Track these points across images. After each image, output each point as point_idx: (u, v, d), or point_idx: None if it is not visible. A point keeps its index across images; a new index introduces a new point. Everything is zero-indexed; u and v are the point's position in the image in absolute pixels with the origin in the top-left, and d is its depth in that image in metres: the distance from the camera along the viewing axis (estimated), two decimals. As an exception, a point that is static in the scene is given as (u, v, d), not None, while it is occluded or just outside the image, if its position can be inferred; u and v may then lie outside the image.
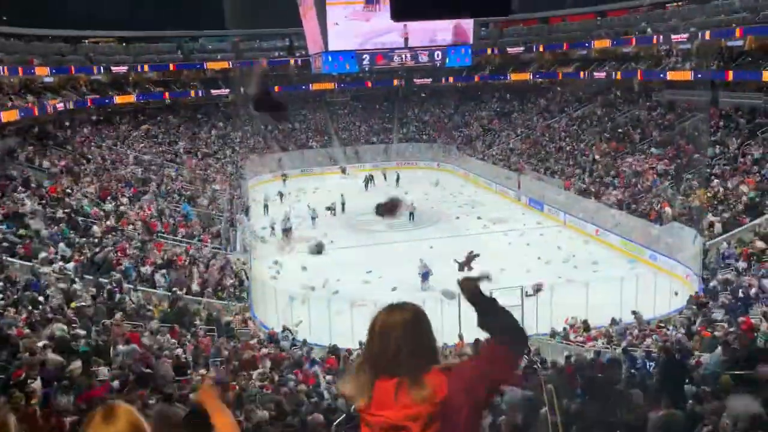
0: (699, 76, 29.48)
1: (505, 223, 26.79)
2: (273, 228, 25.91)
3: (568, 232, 25.68)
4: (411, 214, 26.38)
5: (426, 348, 2.04)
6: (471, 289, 2.16)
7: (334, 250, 23.42)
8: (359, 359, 2.09)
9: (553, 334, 15.97)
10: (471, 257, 16.14)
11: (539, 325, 16.66)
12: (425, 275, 19.89)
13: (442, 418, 1.92)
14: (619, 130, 31.89)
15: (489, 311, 2.13)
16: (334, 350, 14.78)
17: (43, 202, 20.27)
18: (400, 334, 2.00)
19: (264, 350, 13.96)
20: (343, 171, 36.03)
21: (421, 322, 2.06)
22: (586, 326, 15.71)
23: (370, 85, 43.50)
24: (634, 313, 15.48)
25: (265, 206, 28.15)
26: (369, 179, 33.32)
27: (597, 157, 30.15)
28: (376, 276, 20.31)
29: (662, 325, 14.83)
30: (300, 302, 18.44)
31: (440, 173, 37.24)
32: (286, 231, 25.32)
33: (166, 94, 39.35)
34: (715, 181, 22.70)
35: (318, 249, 20.84)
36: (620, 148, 29.98)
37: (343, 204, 28.89)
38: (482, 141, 39.64)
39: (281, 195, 29.33)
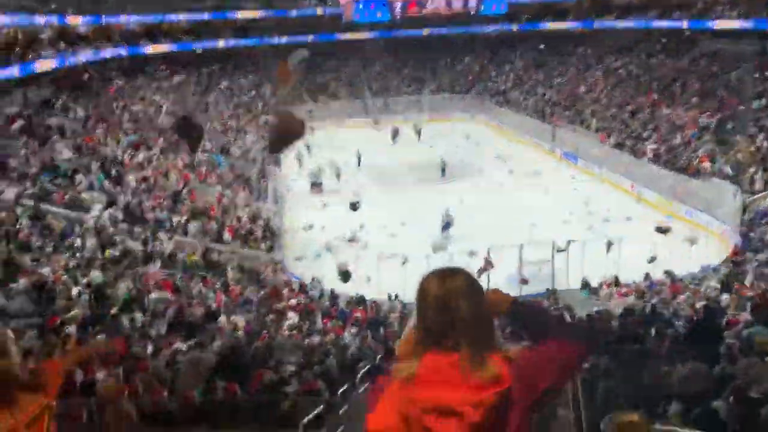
0: (747, 25, 28.05)
1: (538, 177, 26.36)
2: (310, 180, 25.86)
3: (603, 187, 25.19)
4: (443, 169, 26.07)
5: (487, 323, 1.83)
6: (503, 304, 1.94)
7: (366, 203, 23.40)
8: (415, 328, 1.86)
9: (584, 285, 15.85)
10: (488, 263, 15.64)
11: (570, 280, 16.57)
12: (447, 225, 19.85)
13: (500, 411, 1.71)
14: (660, 82, 30.75)
15: (540, 323, 1.94)
16: (360, 301, 14.92)
17: (79, 151, 20.56)
18: (461, 303, 1.77)
19: (293, 300, 14.16)
20: (376, 123, 35.69)
21: (480, 290, 1.84)
22: (617, 282, 15.52)
23: (402, 34, 42.53)
24: (667, 271, 15.21)
25: (298, 159, 28.13)
26: (396, 132, 32.89)
27: (635, 109, 29.22)
28: (404, 229, 20.29)
29: (696, 282, 14.56)
30: (329, 253, 18.62)
31: (473, 125, 36.61)
32: (316, 185, 25.32)
33: (199, 43, 39.14)
34: (760, 135, 21.83)
35: (354, 206, 20.76)
36: (659, 102, 28.95)
37: (359, 158, 28.42)
38: (517, 92, 38.73)
39: (308, 147, 29.18)
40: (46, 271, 11.87)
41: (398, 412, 1.74)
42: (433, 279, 1.82)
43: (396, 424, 1.74)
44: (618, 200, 23.20)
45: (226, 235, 18.49)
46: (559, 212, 21.49)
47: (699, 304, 10.91)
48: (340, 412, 7.16)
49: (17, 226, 14.09)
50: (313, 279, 16.79)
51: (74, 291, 11.27)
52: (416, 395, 1.72)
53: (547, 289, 15.84)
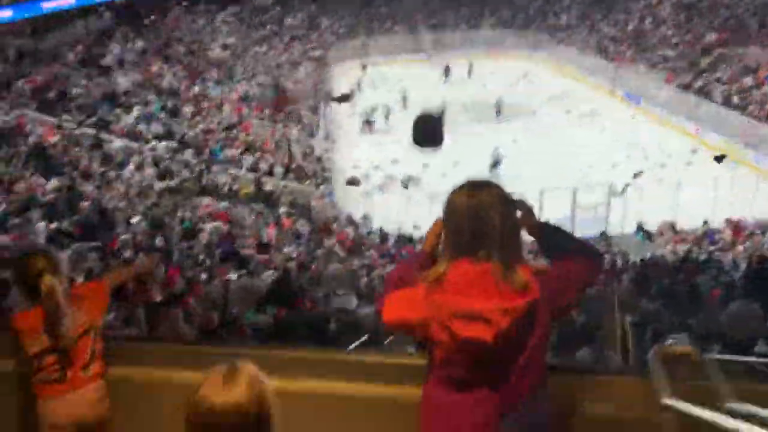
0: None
1: (597, 117, 25.44)
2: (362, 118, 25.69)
3: (665, 130, 24.12)
4: (498, 109, 25.36)
5: (517, 235, 1.86)
6: (530, 218, 2.02)
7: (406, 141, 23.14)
8: (443, 240, 1.91)
9: (640, 229, 15.44)
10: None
11: (625, 225, 16.17)
12: (495, 163, 19.62)
13: (527, 321, 1.76)
14: (735, 19, 28.74)
15: (554, 235, 2.05)
16: (409, 240, 14.99)
17: (137, 82, 20.91)
18: (494, 213, 1.79)
19: (343, 235, 14.34)
20: (430, 59, 34.88)
21: (510, 202, 1.87)
22: (673, 228, 15.06)
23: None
24: (728, 219, 14.65)
25: (346, 96, 27.83)
26: (447, 70, 31.96)
27: (705, 47, 27.52)
28: (456, 170, 20.02)
29: (758, 231, 13.98)
30: (378, 190, 18.66)
31: (531, 63, 35.32)
32: (368, 123, 25.12)
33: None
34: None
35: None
36: (731, 41, 27.10)
37: (404, 99, 27.54)
38: (579, 28, 36.99)
39: (358, 85, 28.83)
40: (106, 198, 12.30)
41: (423, 313, 1.78)
42: (464, 192, 1.85)
43: (417, 324, 1.80)
44: (680, 144, 22.22)
45: (278, 169, 18.71)
46: (617, 155, 20.78)
47: (759, 254, 10.49)
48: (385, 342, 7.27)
49: (79, 155, 14.59)
50: (364, 216, 16.92)
51: (133, 219, 11.70)
52: (445, 299, 1.76)
53: (601, 233, 15.49)
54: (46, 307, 2.39)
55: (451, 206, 1.86)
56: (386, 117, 25.59)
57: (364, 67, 34.05)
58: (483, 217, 1.78)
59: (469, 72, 32.14)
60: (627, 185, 16.90)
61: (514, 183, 17.26)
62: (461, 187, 1.87)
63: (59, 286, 2.42)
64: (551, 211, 15.15)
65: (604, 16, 36.80)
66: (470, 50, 35.99)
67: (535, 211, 2.04)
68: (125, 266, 6.57)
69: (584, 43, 34.82)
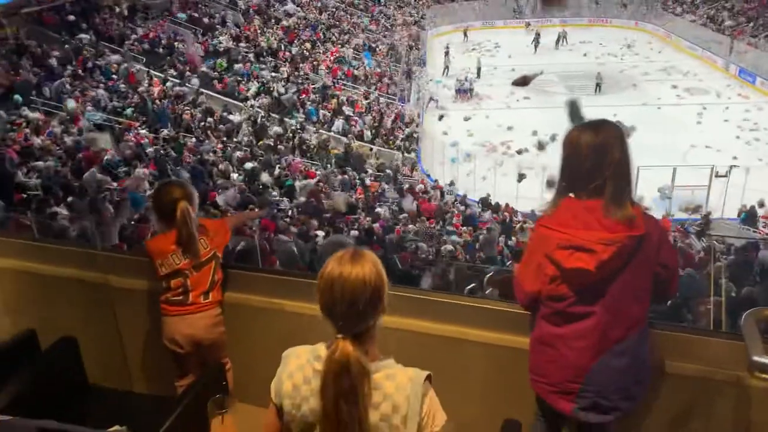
0: None
1: (705, 95, 23.87)
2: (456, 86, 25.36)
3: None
4: (598, 84, 24.18)
5: (630, 173, 1.93)
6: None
7: (512, 110, 22.72)
8: (558, 179, 2.02)
9: (742, 213, 14.51)
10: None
11: (726, 209, 15.25)
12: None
13: (634, 254, 1.87)
14: None
15: None
16: (495, 209, 14.81)
17: (237, 40, 21.57)
18: (615, 149, 1.89)
19: (429, 201, 14.37)
20: (527, 25, 33.72)
21: (626, 138, 1.94)
22: (775, 214, 14.04)
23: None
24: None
25: (446, 67, 27.49)
26: (536, 38, 30.65)
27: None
28: (550, 141, 19.50)
29: None
30: (467, 159, 18.48)
31: (637, 33, 33.49)
32: (462, 92, 24.73)
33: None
34: None
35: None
36: None
37: (479, 69, 26.83)
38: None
39: (446, 53, 28.24)
40: (206, 150, 12.91)
41: (534, 248, 1.98)
42: (587, 129, 1.94)
43: (528, 259, 2.01)
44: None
45: (368, 132, 18.89)
46: (725, 135, 19.51)
47: None
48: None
49: (183, 110, 15.32)
50: (451, 183, 16.86)
51: (233, 175, 12.24)
52: (550, 233, 1.92)
53: (703, 216, 14.69)
54: (180, 228, 2.64)
55: (571, 144, 1.94)
56: (468, 89, 25.10)
57: (465, 32, 33.44)
58: (605, 152, 1.88)
59: (558, 41, 30.84)
60: (731, 167, 15.87)
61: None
62: (584, 126, 1.96)
63: (192, 212, 2.67)
64: (648, 190, 14.57)
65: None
66: (572, 18, 34.60)
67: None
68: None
69: (698, 14, 32.57)
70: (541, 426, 2.18)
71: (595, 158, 1.88)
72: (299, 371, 1.62)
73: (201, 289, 2.68)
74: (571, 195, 1.93)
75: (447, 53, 28.16)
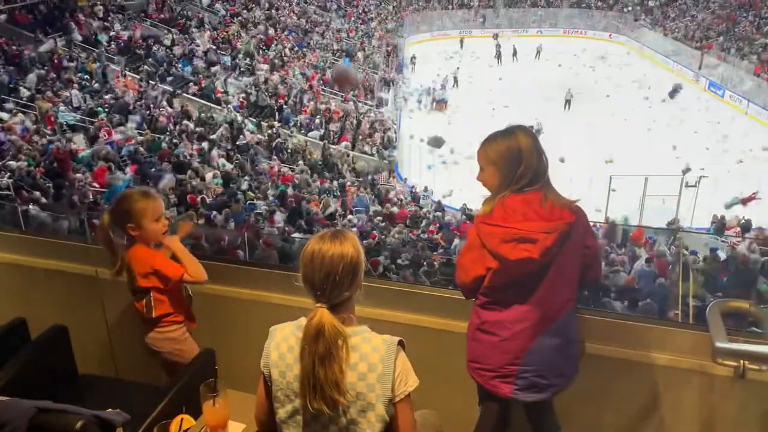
0: None
1: (676, 106, 24.46)
2: (424, 94, 25.57)
3: (749, 123, 22.97)
4: (567, 101, 24.50)
5: (547, 167, 2.14)
6: None
7: (480, 119, 22.97)
8: (490, 182, 2.18)
9: (715, 222, 14.83)
10: None
11: (695, 219, 15.64)
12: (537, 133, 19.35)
13: (567, 239, 2.05)
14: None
15: None
16: (470, 217, 14.96)
17: (215, 43, 21.50)
18: (532, 151, 2.09)
19: (405, 207, 14.48)
20: (495, 37, 33.69)
21: (537, 142, 2.15)
22: (746, 226, 14.42)
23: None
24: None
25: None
26: (498, 49, 30.88)
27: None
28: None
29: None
30: (442, 166, 18.66)
31: (611, 45, 34.18)
32: (440, 102, 24.90)
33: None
34: None
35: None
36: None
37: (455, 78, 27.23)
38: (666, 12, 35.45)
39: (413, 60, 28.28)
40: (182, 152, 12.85)
41: (477, 244, 2.11)
42: (514, 134, 2.12)
43: (468, 252, 2.17)
44: (764, 140, 21.15)
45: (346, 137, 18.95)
46: (695, 146, 20.02)
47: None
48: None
49: (158, 111, 15.22)
50: (425, 188, 17.00)
51: (208, 175, 12.20)
52: (493, 229, 2.06)
53: (668, 223, 15.03)
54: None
55: (513, 148, 2.10)
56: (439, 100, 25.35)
57: (461, 41, 33.37)
58: (540, 151, 2.10)
59: (538, 54, 31.18)
60: (701, 177, 16.29)
61: (585, 167, 17.07)
62: (507, 133, 2.14)
63: (110, 231, 2.57)
64: (620, 198, 14.88)
65: (693, 1, 35.11)
66: (547, 29, 35.15)
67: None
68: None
69: (670, 29, 33.37)
70: (488, 411, 2.27)
71: (534, 157, 2.08)
72: (284, 342, 1.74)
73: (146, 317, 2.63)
74: (508, 191, 2.09)
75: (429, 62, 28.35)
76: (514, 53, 30.66)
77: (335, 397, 1.64)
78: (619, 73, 28.82)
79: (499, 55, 30.63)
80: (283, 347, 1.74)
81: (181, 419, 1.94)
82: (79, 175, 10.46)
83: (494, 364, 2.15)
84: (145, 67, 17.58)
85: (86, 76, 15.86)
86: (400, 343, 1.71)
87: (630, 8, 37.26)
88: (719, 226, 14.79)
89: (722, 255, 10.57)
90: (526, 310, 2.09)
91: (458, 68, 28.28)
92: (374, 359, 1.66)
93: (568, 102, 24.26)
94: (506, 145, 2.10)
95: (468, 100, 25.04)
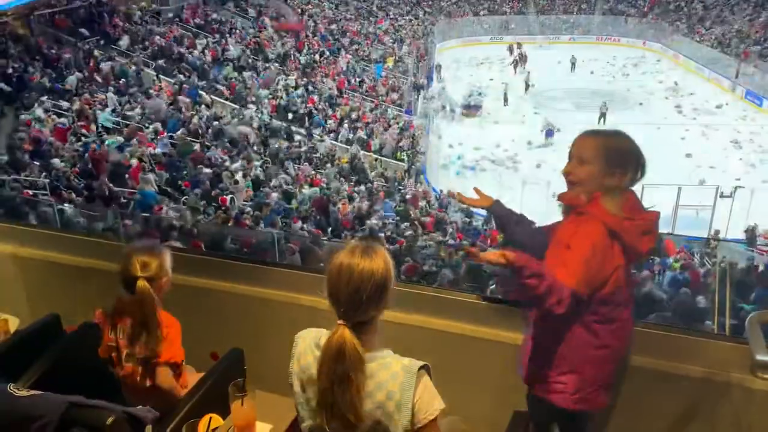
0: None
1: (710, 116, 23.98)
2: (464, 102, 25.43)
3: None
4: (603, 115, 23.88)
5: None
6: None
7: (513, 125, 22.84)
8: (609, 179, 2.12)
9: (747, 231, 14.46)
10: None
11: (730, 230, 15.28)
12: (549, 132, 20.55)
13: None
14: None
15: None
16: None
17: (248, 48, 21.75)
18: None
19: (432, 213, 14.45)
20: (518, 46, 32.92)
21: None
22: (780, 237, 14.03)
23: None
24: None
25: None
26: (517, 60, 30.16)
27: None
28: (554, 154, 19.63)
29: None
30: (472, 173, 18.60)
31: (645, 52, 33.69)
32: (471, 107, 24.74)
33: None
34: None
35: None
36: None
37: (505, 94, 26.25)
38: (702, 18, 34.82)
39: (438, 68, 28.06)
40: (214, 155, 13.03)
41: (604, 245, 2.00)
42: (621, 134, 2.17)
43: (600, 258, 2.00)
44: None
45: (375, 144, 18.99)
46: (730, 156, 19.61)
47: None
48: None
49: (192, 116, 15.43)
50: (448, 192, 16.89)
51: (239, 177, 12.36)
52: (632, 223, 2.04)
53: (707, 238, 14.68)
54: (134, 310, 2.33)
55: (627, 146, 2.11)
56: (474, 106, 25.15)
57: (510, 47, 32.89)
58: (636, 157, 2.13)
59: (573, 66, 30.54)
60: (736, 188, 15.94)
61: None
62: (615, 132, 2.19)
63: (154, 292, 2.32)
64: (653, 208, 14.56)
65: (731, 8, 34.44)
66: (580, 36, 34.81)
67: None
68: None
69: (707, 36, 32.77)
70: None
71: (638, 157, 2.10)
72: (304, 355, 1.71)
73: (133, 383, 2.34)
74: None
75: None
76: (573, 65, 29.91)
77: (352, 420, 1.59)
78: (652, 81, 28.39)
79: (515, 64, 30.21)
80: (303, 360, 1.71)
81: (210, 418, 1.95)
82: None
83: (608, 378, 2.08)
84: (180, 74, 17.87)
85: (122, 80, 16.17)
86: (425, 368, 1.64)
87: (666, 15, 36.68)
88: (751, 237, 14.47)
89: (761, 266, 10.33)
90: (629, 313, 2.08)
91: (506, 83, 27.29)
92: (393, 387, 1.60)
93: (603, 115, 23.63)
94: (632, 145, 2.11)
95: (498, 106, 24.91)
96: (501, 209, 2.36)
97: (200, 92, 17.12)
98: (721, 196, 15.75)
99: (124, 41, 18.12)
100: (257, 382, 2.15)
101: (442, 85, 27.67)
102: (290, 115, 18.49)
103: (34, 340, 2.40)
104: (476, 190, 2.39)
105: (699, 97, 26.13)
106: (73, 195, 9.51)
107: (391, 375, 1.60)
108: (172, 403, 2.24)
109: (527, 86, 26.67)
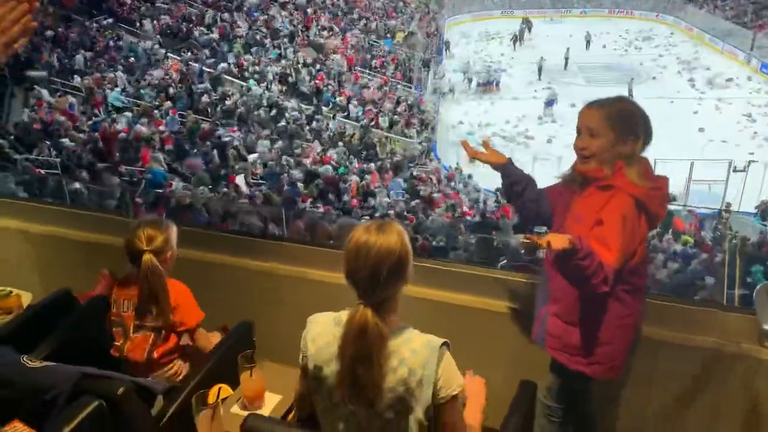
0: None
1: (724, 89, 23.60)
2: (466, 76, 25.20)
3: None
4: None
5: None
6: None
7: (526, 100, 22.64)
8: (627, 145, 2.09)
9: (760, 205, 14.32)
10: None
11: (743, 203, 15.15)
12: (550, 102, 20.54)
13: None
14: None
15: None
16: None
17: (253, 26, 21.60)
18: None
19: (441, 190, 14.42)
20: (526, 21, 32.32)
21: None
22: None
23: None
24: None
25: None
26: (522, 30, 29.53)
27: None
28: (564, 130, 19.46)
29: None
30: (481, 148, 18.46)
31: (657, 25, 33.11)
32: (487, 83, 24.49)
33: None
34: None
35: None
36: None
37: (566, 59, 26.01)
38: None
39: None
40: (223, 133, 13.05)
41: (633, 215, 1.98)
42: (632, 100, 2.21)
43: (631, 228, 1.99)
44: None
45: (383, 121, 18.89)
46: (744, 130, 19.35)
47: None
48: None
49: (199, 92, 15.43)
50: (459, 170, 16.87)
51: (250, 157, 12.39)
52: (657, 192, 2.04)
53: (719, 210, 14.59)
54: (141, 284, 2.37)
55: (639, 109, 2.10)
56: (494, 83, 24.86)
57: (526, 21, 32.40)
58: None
59: (588, 44, 29.91)
60: (750, 162, 15.76)
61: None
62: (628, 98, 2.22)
63: (160, 265, 2.36)
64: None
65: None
66: (592, 9, 34.25)
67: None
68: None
69: (721, 7, 32.12)
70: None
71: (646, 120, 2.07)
72: (321, 336, 1.69)
73: (136, 358, 2.34)
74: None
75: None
76: (588, 42, 29.06)
77: (373, 398, 1.59)
78: (665, 54, 27.96)
79: (515, 40, 29.53)
80: (319, 341, 1.69)
81: (219, 389, 1.98)
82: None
83: (629, 346, 2.10)
84: (188, 51, 17.81)
85: (131, 59, 16.15)
86: (446, 345, 1.63)
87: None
88: (763, 211, 14.36)
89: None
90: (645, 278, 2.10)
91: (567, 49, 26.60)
92: (415, 363, 1.59)
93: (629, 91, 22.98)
94: (638, 109, 2.08)
95: (510, 82, 24.67)
96: (513, 169, 2.31)
97: (208, 69, 17.09)
98: (734, 170, 15.58)
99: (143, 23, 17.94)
100: (267, 354, 2.17)
101: (451, 61, 27.41)
102: (299, 92, 18.45)
103: (46, 314, 2.44)
104: (486, 144, 2.33)
105: (712, 70, 25.72)
106: (84, 174, 9.58)
107: (413, 351, 1.60)
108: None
109: (540, 70, 25.98)
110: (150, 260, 2.29)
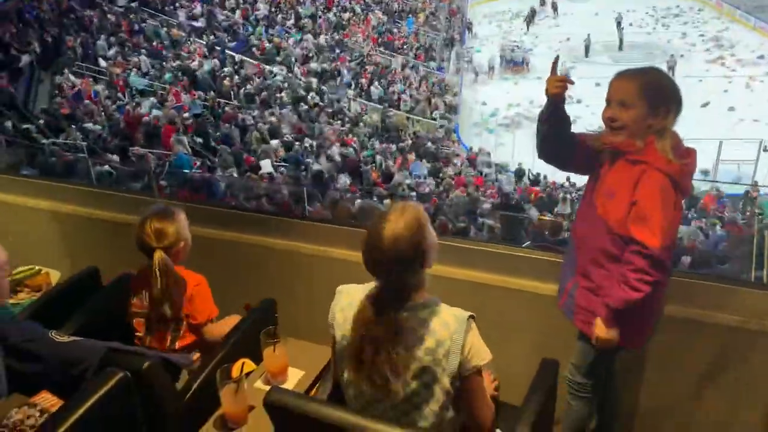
0: None
1: (756, 67, 22.97)
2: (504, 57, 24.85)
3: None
4: (671, 69, 22.45)
5: None
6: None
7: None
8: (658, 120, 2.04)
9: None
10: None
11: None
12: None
13: None
14: None
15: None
16: (535, 181, 14.67)
17: (274, 8, 21.58)
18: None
19: (463, 171, 14.35)
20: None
21: None
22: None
23: None
24: None
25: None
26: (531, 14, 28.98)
27: None
28: (588, 110, 19.15)
29: None
30: (504, 129, 18.34)
31: (686, 1, 32.29)
32: (514, 63, 24.12)
33: None
34: None
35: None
36: None
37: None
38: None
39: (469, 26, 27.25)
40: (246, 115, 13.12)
41: (672, 193, 1.94)
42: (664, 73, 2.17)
43: (670, 204, 1.96)
44: None
45: (406, 101, 18.80)
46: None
47: None
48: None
49: (222, 76, 15.47)
50: (481, 150, 16.74)
51: (273, 142, 12.42)
52: (689, 167, 1.99)
53: (746, 192, 14.31)
54: (152, 282, 2.32)
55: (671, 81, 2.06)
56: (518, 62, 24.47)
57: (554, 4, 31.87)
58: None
59: (619, 24, 28.99)
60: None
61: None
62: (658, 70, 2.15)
63: (170, 262, 2.31)
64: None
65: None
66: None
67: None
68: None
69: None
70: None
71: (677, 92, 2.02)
72: (350, 307, 1.69)
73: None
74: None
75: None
76: (618, 24, 28.49)
77: (389, 376, 1.60)
78: (694, 32, 27.28)
79: (528, 20, 28.87)
80: (348, 312, 1.69)
81: (243, 363, 2.01)
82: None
83: (657, 316, 2.11)
84: (212, 35, 17.86)
85: (155, 42, 16.25)
86: (472, 317, 1.64)
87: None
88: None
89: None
90: None
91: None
92: (443, 335, 1.59)
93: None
94: (669, 80, 2.05)
95: (534, 60, 24.31)
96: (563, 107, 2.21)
97: (230, 53, 17.14)
98: (765, 149, 15.26)
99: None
100: (289, 330, 2.20)
101: (474, 41, 27.09)
102: (321, 74, 18.42)
103: (74, 291, 2.49)
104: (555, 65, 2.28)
105: (743, 47, 25.03)
106: (110, 156, 9.72)
107: (441, 323, 1.61)
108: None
109: (587, 49, 25.27)
110: (161, 258, 2.24)
